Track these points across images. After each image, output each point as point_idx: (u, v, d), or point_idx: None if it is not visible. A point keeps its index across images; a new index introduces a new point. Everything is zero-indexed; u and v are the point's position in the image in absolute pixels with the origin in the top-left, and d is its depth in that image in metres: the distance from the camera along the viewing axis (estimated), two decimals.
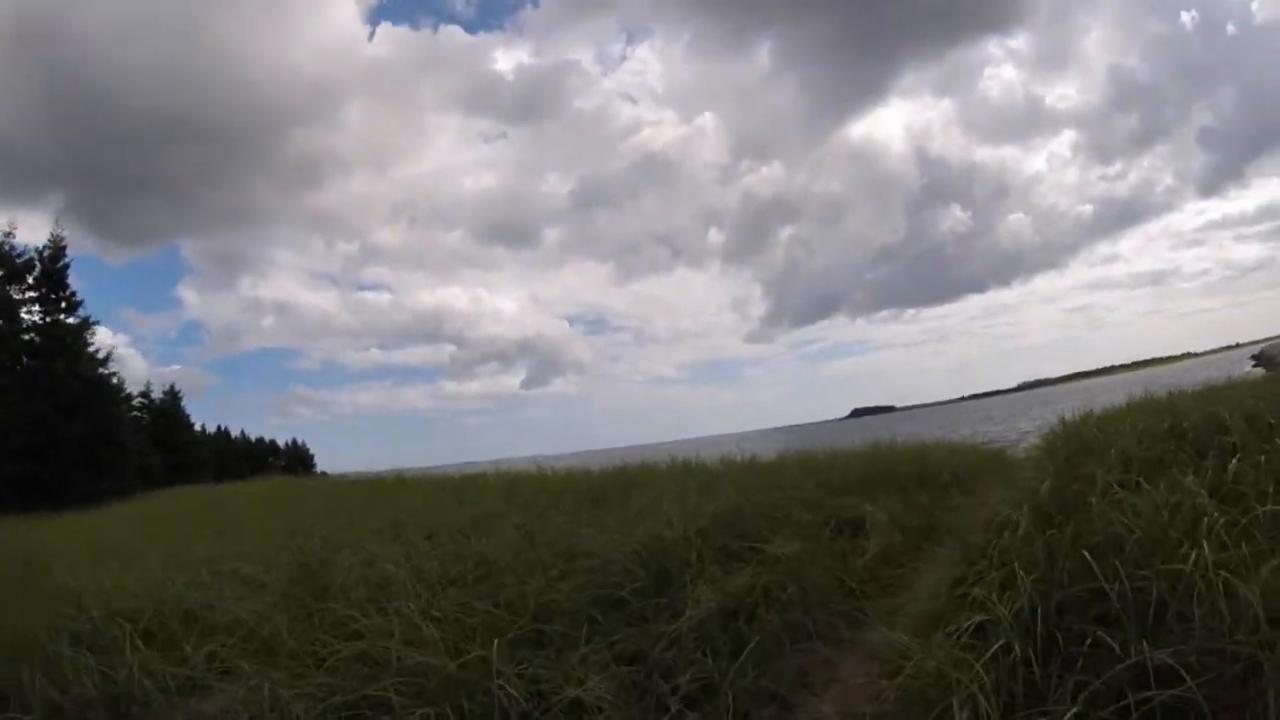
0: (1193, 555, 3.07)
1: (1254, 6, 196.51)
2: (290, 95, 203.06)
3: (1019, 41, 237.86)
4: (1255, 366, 53.09)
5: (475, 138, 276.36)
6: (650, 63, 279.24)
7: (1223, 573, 2.91)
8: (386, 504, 11.18)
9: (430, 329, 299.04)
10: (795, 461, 10.07)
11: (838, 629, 4.50)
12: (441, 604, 4.40)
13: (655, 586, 4.68)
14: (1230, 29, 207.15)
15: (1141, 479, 4.32)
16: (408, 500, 11.42)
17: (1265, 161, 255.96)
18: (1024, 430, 40.72)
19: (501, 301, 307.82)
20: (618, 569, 4.84)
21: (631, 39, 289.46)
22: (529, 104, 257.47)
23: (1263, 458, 4.23)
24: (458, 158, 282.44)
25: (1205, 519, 3.40)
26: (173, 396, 45.98)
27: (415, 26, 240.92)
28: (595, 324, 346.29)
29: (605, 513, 7.01)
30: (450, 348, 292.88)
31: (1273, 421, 4.90)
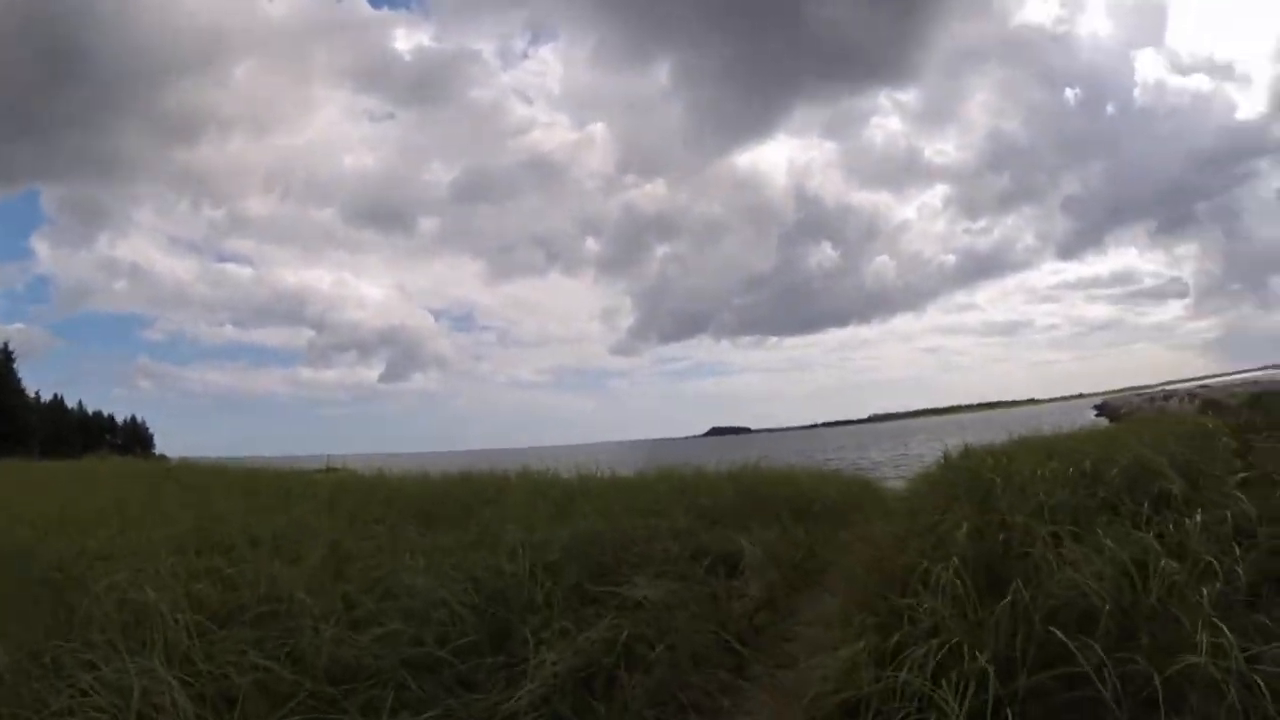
0: (1199, 635, 2.45)
1: (1136, 92, 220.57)
2: (177, 43, 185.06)
3: (908, 95, 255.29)
4: (1099, 416, 58.24)
5: (362, 115, 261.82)
6: (551, 64, 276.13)
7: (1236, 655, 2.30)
8: (200, 500, 9.36)
9: (291, 310, 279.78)
10: (661, 481, 9.35)
11: (715, 698, 3.68)
12: (208, 651, 3.25)
13: (490, 640, 3.69)
14: (1110, 109, 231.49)
15: (1077, 528, 3.72)
16: (225, 499, 9.63)
17: (1123, 232, 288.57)
18: (876, 460, 42.70)
19: (367, 288, 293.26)
20: (443, 614, 3.80)
21: (536, 38, 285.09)
22: (422, 88, 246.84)
23: (1223, 511, 3.73)
24: (341, 133, 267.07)
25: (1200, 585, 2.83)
26: (4, 356, 39.53)
27: None
28: (462, 320, 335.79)
29: (439, 533, 5.88)
30: (310, 332, 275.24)
31: (1207, 469, 4.57)
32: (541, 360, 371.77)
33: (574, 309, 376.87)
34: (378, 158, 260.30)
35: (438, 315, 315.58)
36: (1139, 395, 76.46)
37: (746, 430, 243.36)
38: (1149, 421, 12.37)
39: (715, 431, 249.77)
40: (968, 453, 8.37)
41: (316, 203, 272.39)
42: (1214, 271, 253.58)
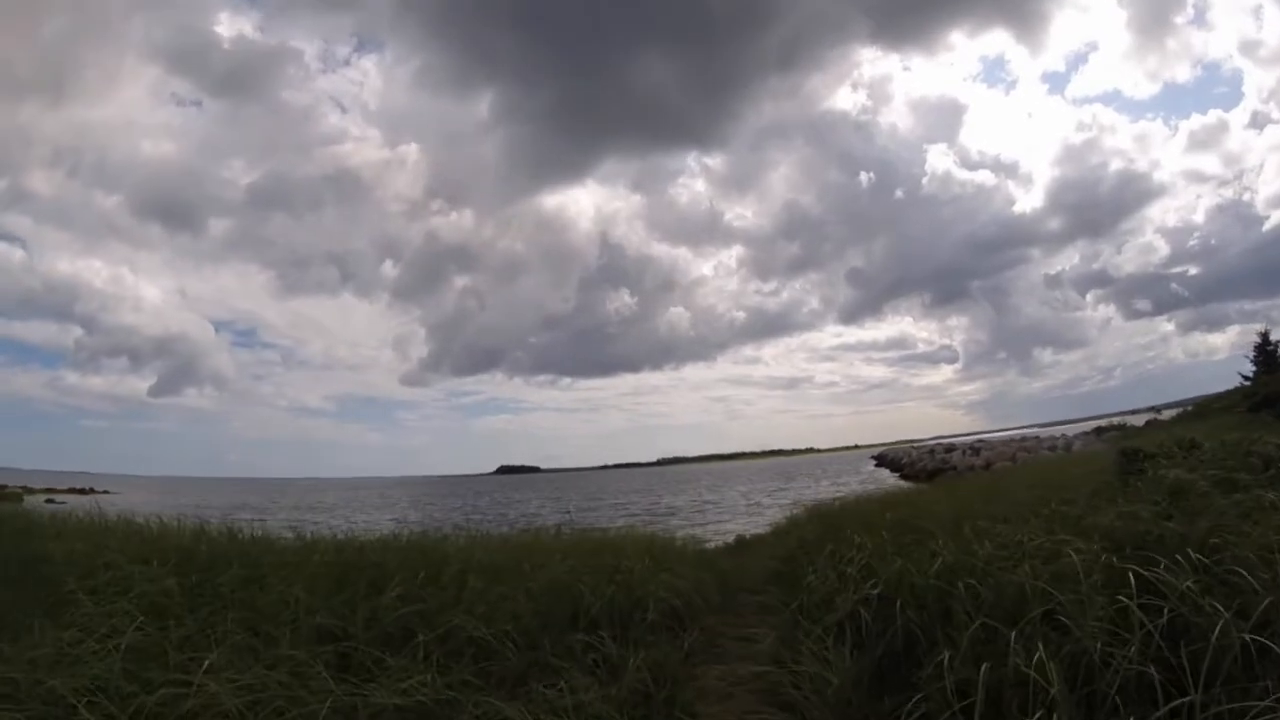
0: None
1: (924, 180, 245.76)
2: None
3: (716, 161, 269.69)
4: (878, 465, 61.47)
5: (169, 98, 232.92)
6: (371, 76, 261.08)
7: None
8: None
9: (61, 303, 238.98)
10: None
11: None
12: None
13: None
14: (898, 193, 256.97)
15: None
16: None
17: (900, 303, 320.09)
18: (674, 505, 40.68)
19: (146, 288, 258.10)
20: None
21: (361, 46, 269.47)
22: (236, 79, 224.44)
23: None
24: (144, 115, 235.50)
25: None
26: None
27: None
28: (245, 335, 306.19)
29: None
30: (78, 330, 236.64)
31: None
32: (327, 386, 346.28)
33: (365, 334, 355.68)
34: (177, 147, 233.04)
35: (219, 327, 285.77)
36: (916, 448, 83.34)
37: (536, 469, 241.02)
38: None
39: (504, 470, 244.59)
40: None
41: (105, 187, 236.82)
42: (982, 341, 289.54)
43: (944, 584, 4.04)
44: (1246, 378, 22.22)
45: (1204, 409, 19.71)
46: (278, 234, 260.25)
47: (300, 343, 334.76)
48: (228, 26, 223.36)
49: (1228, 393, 21.63)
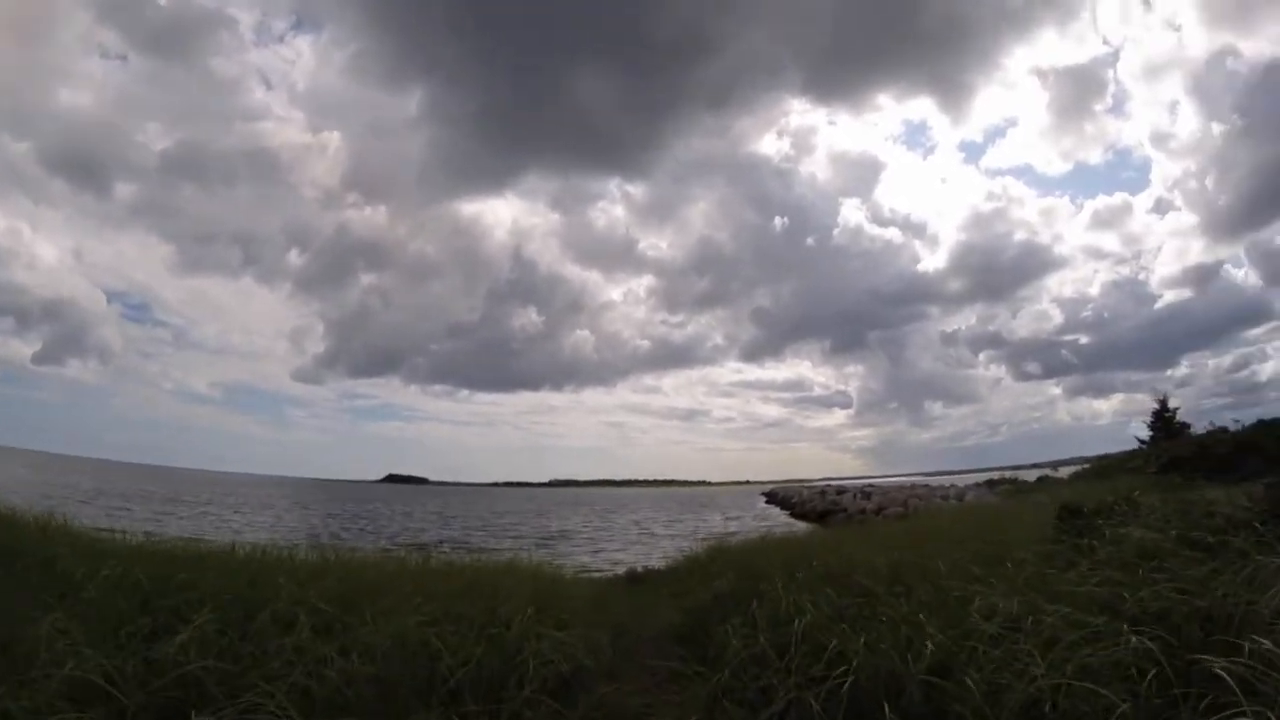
0: None
1: (836, 231, 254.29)
2: None
3: (637, 189, 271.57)
4: (768, 503, 61.62)
5: (94, 48, 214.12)
6: (304, 56, 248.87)
7: None
8: None
9: None
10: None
11: None
12: None
13: None
14: (810, 241, 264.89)
15: None
16: None
17: (800, 346, 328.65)
18: (567, 528, 39.15)
19: (43, 246, 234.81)
20: None
21: (298, 24, 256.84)
22: (166, 39, 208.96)
23: None
24: (67, 61, 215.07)
25: None
26: None
27: None
28: (139, 309, 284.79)
29: None
30: None
31: None
32: (217, 372, 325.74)
33: (262, 322, 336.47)
34: (96, 101, 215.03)
35: (112, 297, 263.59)
36: (807, 487, 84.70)
37: (424, 481, 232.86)
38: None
39: (392, 478, 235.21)
40: None
41: (14, 132, 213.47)
42: (876, 390, 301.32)
43: (938, 679, 3.05)
44: (1143, 441, 23.28)
45: (1104, 469, 20.30)
46: (185, 205, 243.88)
47: (194, 323, 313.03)
48: None
49: (1128, 454, 22.62)
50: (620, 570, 16.74)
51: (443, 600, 5.05)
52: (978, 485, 35.58)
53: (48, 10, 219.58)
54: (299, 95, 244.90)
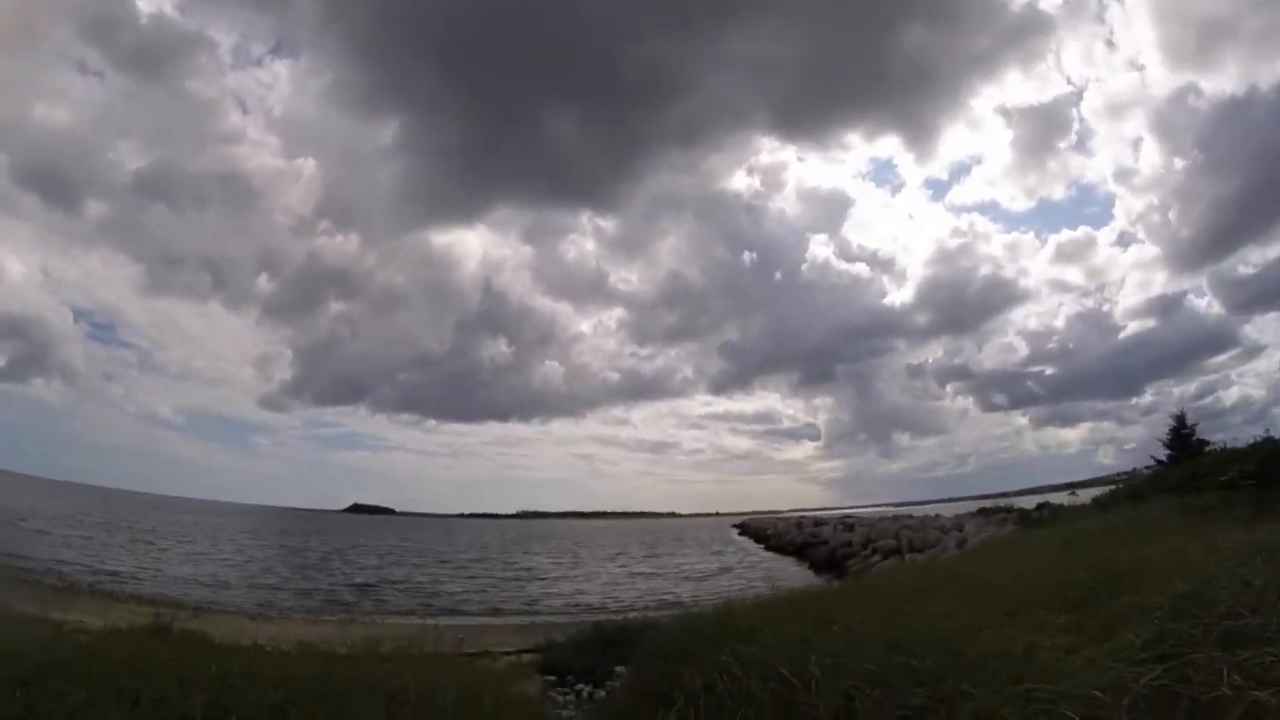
0: None
1: (804, 267, 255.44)
2: None
3: (608, 223, 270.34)
4: (742, 534, 59.52)
5: (72, 64, 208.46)
6: (282, 81, 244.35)
7: None
8: None
9: None
10: None
11: None
12: None
13: None
14: (778, 275, 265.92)
15: None
16: None
17: (768, 379, 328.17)
18: (531, 565, 36.50)
19: (10, 260, 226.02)
20: None
21: (278, 48, 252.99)
22: (145, 58, 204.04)
23: None
24: (44, 76, 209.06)
25: None
26: None
27: None
28: (104, 329, 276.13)
29: None
30: None
31: None
32: (181, 397, 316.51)
33: (228, 347, 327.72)
34: (72, 117, 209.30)
35: (78, 315, 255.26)
36: (781, 519, 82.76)
37: (390, 511, 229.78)
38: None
39: (357, 508, 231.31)
40: None
41: None
42: (844, 422, 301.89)
43: None
44: (1160, 460, 22.31)
45: (1134, 491, 18.76)
46: (155, 226, 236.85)
47: (159, 346, 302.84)
48: (148, 1, 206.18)
49: (1150, 475, 21.53)
50: (602, 616, 14.48)
51: None
52: (972, 515, 33.62)
53: (27, 22, 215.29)
54: (275, 121, 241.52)
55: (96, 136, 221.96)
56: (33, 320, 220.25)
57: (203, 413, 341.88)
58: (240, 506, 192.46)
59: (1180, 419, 22.31)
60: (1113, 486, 24.39)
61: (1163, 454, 22.02)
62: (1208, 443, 21.04)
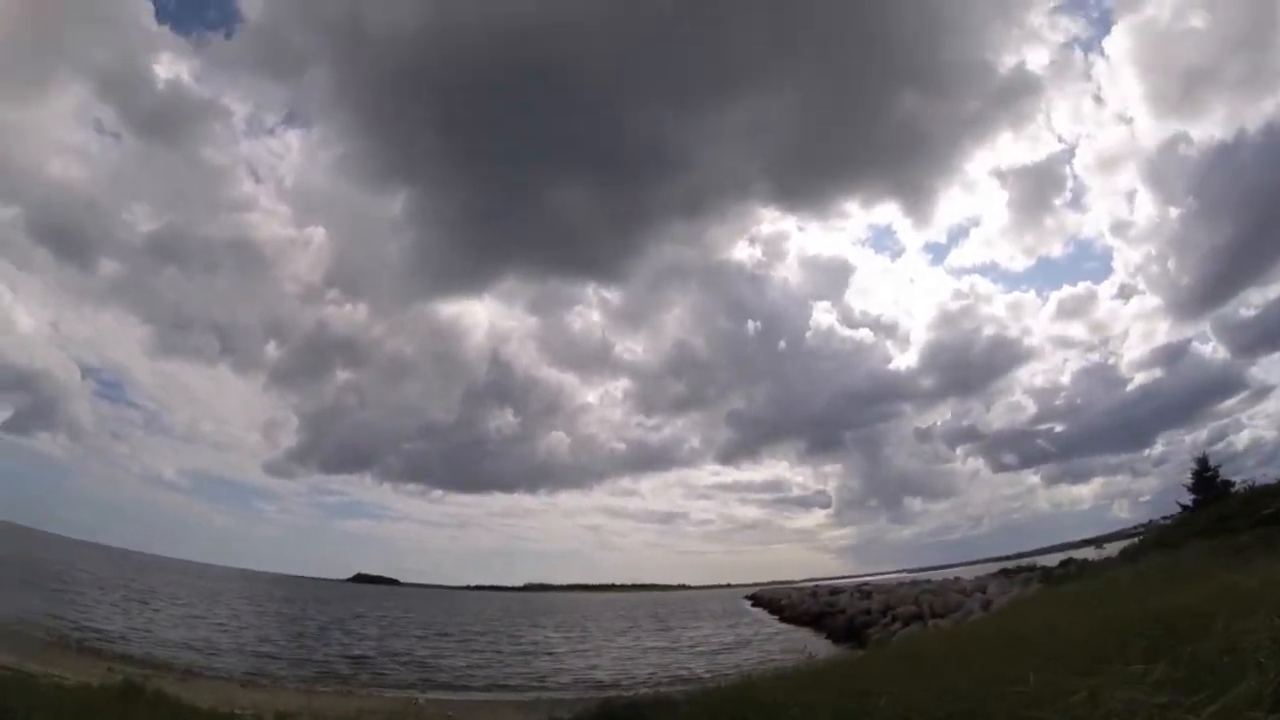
0: None
1: (808, 334, 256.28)
2: None
3: (613, 294, 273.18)
4: (754, 605, 57.67)
5: (90, 123, 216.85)
6: (293, 151, 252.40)
7: None
8: None
9: None
10: None
11: None
12: None
13: None
14: (782, 344, 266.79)
15: None
16: None
17: (776, 447, 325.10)
18: (551, 637, 35.17)
19: (21, 314, 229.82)
20: None
21: (290, 119, 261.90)
22: (161, 123, 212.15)
23: None
24: (62, 132, 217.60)
25: None
26: None
27: None
28: (112, 387, 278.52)
29: None
30: None
31: None
32: (186, 459, 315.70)
33: (235, 412, 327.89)
34: (88, 175, 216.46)
35: (87, 372, 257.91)
36: (795, 589, 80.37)
37: (394, 582, 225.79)
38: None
39: (361, 578, 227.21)
40: None
41: (4, 197, 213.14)
42: (854, 488, 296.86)
43: None
44: (1185, 506, 22.05)
45: (1163, 538, 18.16)
46: (166, 289, 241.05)
47: (166, 407, 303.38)
48: (166, 67, 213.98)
49: (1177, 521, 21.41)
50: (612, 693, 13.51)
51: None
52: (993, 577, 32.29)
53: (44, 76, 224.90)
54: (286, 190, 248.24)
55: (111, 196, 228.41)
56: (41, 374, 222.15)
57: (207, 475, 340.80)
58: (241, 571, 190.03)
59: (1203, 461, 22.05)
60: (1136, 539, 23.93)
61: (1187, 499, 21.89)
62: (1232, 484, 20.87)
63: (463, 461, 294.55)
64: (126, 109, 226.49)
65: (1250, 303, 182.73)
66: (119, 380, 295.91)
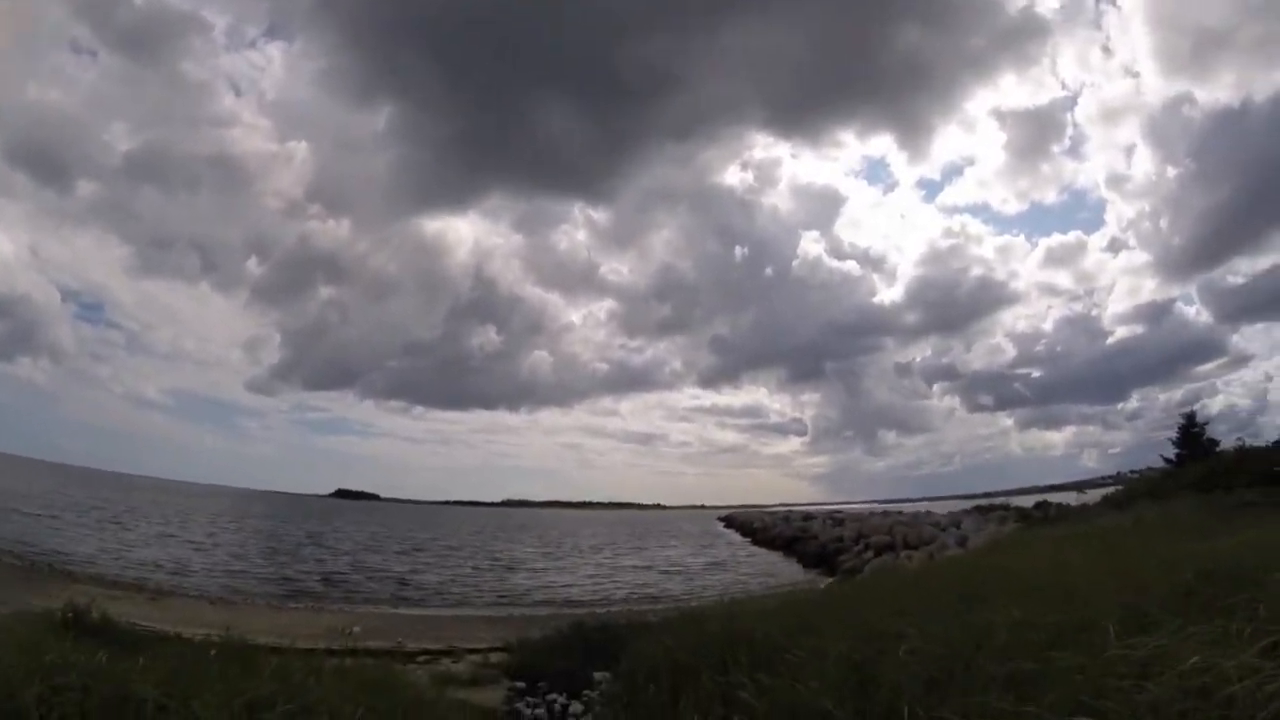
0: None
1: (795, 263, 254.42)
2: None
3: (600, 214, 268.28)
4: (726, 527, 58.99)
5: (65, 43, 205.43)
6: (275, 64, 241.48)
7: None
8: None
9: None
10: None
11: None
12: None
13: None
14: (769, 271, 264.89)
15: None
16: None
17: (757, 374, 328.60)
18: (515, 556, 35.65)
19: (0, 239, 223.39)
20: None
21: (271, 31, 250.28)
22: (139, 38, 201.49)
23: None
24: (36, 54, 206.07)
25: None
26: None
27: None
28: (92, 309, 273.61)
29: None
30: None
31: None
32: (168, 378, 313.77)
33: (217, 330, 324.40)
34: (64, 96, 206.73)
35: (66, 295, 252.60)
36: (768, 513, 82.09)
37: (375, 497, 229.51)
38: None
39: (342, 494, 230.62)
40: None
41: None
42: (831, 418, 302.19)
43: None
44: (1169, 459, 22.24)
45: (1153, 488, 18.21)
46: (145, 208, 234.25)
47: (147, 327, 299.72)
48: None
49: (1166, 473, 21.16)
50: (584, 611, 13.43)
51: None
52: (968, 513, 32.91)
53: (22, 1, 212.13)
54: (267, 104, 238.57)
55: (89, 116, 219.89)
56: (20, 299, 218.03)
57: (190, 394, 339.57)
58: (224, 489, 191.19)
59: (1190, 417, 22.19)
60: (1111, 488, 24.26)
61: (1170, 453, 22.08)
62: (1217, 443, 21.00)
63: (445, 379, 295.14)
64: (102, 26, 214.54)
65: (1239, 270, 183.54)
66: (99, 302, 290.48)
